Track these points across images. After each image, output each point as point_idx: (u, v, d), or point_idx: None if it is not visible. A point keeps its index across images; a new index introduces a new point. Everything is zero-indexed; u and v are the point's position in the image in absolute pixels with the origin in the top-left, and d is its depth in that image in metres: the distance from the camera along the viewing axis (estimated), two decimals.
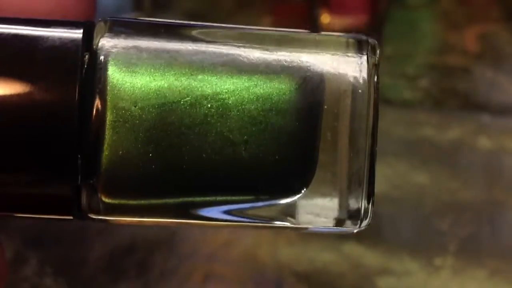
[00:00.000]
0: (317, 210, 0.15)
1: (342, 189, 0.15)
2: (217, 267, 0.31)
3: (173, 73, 0.15)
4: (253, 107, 0.15)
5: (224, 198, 0.15)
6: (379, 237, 0.33)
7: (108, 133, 0.15)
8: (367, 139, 0.15)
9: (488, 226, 0.34)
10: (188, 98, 0.15)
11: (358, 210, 0.16)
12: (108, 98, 0.15)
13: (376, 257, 0.32)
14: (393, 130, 0.41)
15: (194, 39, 0.15)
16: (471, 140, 0.40)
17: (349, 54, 0.15)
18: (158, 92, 0.15)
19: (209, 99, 0.15)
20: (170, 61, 0.15)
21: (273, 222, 0.16)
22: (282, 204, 0.15)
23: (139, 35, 0.15)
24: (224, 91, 0.15)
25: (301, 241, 0.33)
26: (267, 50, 0.15)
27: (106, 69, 0.15)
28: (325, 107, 0.15)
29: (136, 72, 0.15)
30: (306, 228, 0.16)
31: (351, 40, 0.16)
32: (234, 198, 0.15)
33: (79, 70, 0.15)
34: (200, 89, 0.15)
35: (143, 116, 0.15)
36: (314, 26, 0.50)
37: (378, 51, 0.16)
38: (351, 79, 0.15)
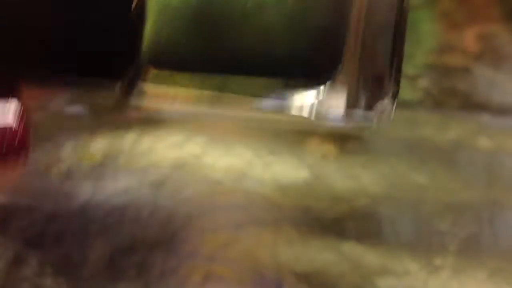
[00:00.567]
0: (339, 101, 0.16)
1: (366, 83, 0.16)
2: (217, 267, 0.31)
3: None
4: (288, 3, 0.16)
5: (256, 81, 0.17)
6: (379, 237, 0.33)
7: (150, 19, 0.16)
8: (395, 39, 0.16)
9: (488, 226, 0.34)
10: None
11: (382, 105, 0.17)
12: None
13: (376, 257, 0.32)
14: (393, 130, 0.41)
15: None
16: (471, 140, 0.40)
17: None
18: None
19: None
20: None
21: (296, 109, 0.17)
22: (308, 93, 0.16)
23: None
24: None
25: (301, 241, 0.33)
26: None
27: None
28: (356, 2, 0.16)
29: None
30: (327, 117, 0.17)
31: None
32: (265, 82, 0.17)
33: None
34: None
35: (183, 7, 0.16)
36: None
37: None
38: None
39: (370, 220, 0.34)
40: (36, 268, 0.31)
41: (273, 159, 0.39)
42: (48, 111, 0.44)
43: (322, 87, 0.17)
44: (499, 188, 0.36)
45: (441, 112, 0.43)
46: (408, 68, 0.48)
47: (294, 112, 0.18)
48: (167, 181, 0.37)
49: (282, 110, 0.18)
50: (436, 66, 0.49)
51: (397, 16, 0.16)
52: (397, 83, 0.17)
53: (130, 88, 0.18)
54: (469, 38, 0.54)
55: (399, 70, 0.17)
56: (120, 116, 0.43)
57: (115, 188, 0.36)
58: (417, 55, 0.51)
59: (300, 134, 0.41)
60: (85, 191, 0.36)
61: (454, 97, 0.45)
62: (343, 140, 0.40)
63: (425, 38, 0.54)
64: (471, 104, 0.44)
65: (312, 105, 0.17)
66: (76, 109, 0.44)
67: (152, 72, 0.17)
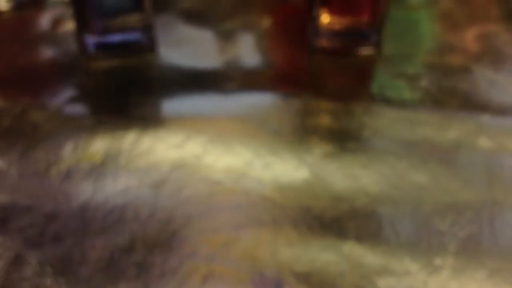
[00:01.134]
0: None
1: None
2: (217, 267, 0.31)
3: None
4: None
5: None
6: (379, 237, 0.33)
7: None
8: None
9: (488, 226, 0.34)
10: None
11: None
12: None
13: (376, 257, 0.32)
14: (393, 130, 0.41)
15: None
16: (471, 140, 0.40)
17: None
18: None
19: None
20: None
21: None
22: None
23: None
24: None
25: (301, 241, 0.33)
26: None
27: None
28: None
29: None
30: None
31: None
32: None
33: None
34: None
35: None
36: (314, 26, 0.50)
37: None
38: None
39: (370, 220, 0.34)
40: (36, 268, 0.31)
41: (273, 159, 0.39)
42: (48, 111, 0.44)
43: None
44: (499, 188, 0.36)
45: (441, 112, 0.43)
46: (408, 68, 0.48)
47: None
48: (167, 181, 0.37)
49: None
50: (436, 66, 0.49)
51: None
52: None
53: None
54: (469, 38, 0.54)
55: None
56: (120, 116, 0.43)
57: (115, 188, 0.36)
58: (417, 55, 0.51)
59: (300, 134, 0.41)
60: (85, 191, 0.36)
61: (454, 97, 0.45)
62: (343, 140, 0.40)
63: (425, 38, 0.54)
64: (471, 104, 0.44)
65: None
66: (76, 109, 0.44)
67: None
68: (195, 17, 0.57)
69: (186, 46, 0.52)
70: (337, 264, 0.31)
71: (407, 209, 0.35)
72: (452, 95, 0.45)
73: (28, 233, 0.33)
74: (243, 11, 0.58)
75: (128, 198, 0.36)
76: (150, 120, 0.43)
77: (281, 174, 0.37)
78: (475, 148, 0.40)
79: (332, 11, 0.49)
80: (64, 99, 0.45)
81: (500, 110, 0.43)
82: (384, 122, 0.42)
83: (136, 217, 0.34)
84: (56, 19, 0.57)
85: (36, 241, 0.33)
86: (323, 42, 0.50)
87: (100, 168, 0.38)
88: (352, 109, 0.43)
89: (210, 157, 0.39)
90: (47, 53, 0.51)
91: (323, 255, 0.32)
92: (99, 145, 0.40)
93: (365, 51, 0.50)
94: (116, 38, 0.50)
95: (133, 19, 0.49)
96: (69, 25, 0.55)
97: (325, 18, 0.49)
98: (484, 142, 0.40)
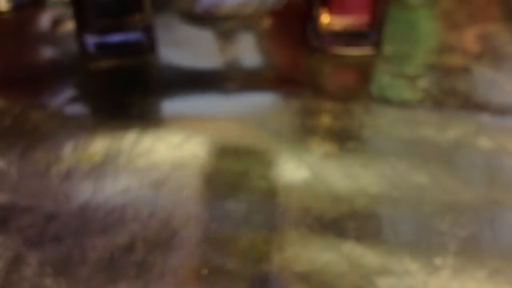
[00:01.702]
0: None
1: None
2: (217, 267, 0.31)
3: None
4: None
5: None
6: (379, 237, 0.33)
7: None
8: None
9: (488, 226, 0.34)
10: None
11: None
12: None
13: (376, 257, 0.32)
14: (393, 130, 0.41)
15: None
16: (471, 140, 0.40)
17: None
18: None
19: None
20: None
21: None
22: None
23: None
24: None
25: (301, 241, 0.33)
26: None
27: None
28: None
29: None
30: None
31: None
32: None
33: None
34: None
35: None
36: (314, 26, 0.50)
37: None
38: None
39: (370, 220, 0.34)
40: (36, 268, 0.31)
41: (273, 159, 0.39)
42: (48, 111, 0.44)
43: None
44: (499, 188, 0.36)
45: (441, 112, 0.43)
46: (408, 68, 0.48)
47: None
48: (167, 181, 0.37)
49: None
50: (436, 66, 0.49)
51: None
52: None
53: None
54: (469, 38, 0.54)
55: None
56: (120, 116, 0.43)
57: (115, 188, 0.36)
58: (417, 55, 0.51)
59: (300, 134, 0.41)
60: (85, 191, 0.36)
61: (454, 97, 0.45)
62: (343, 140, 0.40)
63: (425, 38, 0.54)
64: (471, 104, 0.44)
65: None
66: (76, 109, 0.44)
67: None
68: (196, 17, 0.57)
69: (186, 46, 0.52)
70: (337, 264, 0.31)
71: (407, 209, 0.35)
72: (452, 95, 0.45)
73: (28, 233, 0.33)
74: (243, 11, 0.58)
75: (128, 198, 0.36)
76: (150, 120, 0.43)
77: (281, 174, 0.37)
78: (475, 148, 0.40)
79: (332, 11, 0.49)
80: (64, 99, 0.45)
81: (500, 110, 0.43)
82: (384, 122, 0.42)
83: (136, 217, 0.34)
84: (56, 19, 0.57)
85: (36, 241, 0.33)
86: (323, 42, 0.50)
87: (100, 168, 0.38)
88: (352, 109, 0.43)
89: (210, 157, 0.39)
90: (47, 53, 0.51)
91: (323, 255, 0.32)
92: (99, 145, 0.40)
93: (365, 51, 0.50)
94: (116, 38, 0.50)
95: (133, 19, 0.49)
96: (69, 25, 0.55)
97: (325, 18, 0.49)
98: (484, 142, 0.40)
